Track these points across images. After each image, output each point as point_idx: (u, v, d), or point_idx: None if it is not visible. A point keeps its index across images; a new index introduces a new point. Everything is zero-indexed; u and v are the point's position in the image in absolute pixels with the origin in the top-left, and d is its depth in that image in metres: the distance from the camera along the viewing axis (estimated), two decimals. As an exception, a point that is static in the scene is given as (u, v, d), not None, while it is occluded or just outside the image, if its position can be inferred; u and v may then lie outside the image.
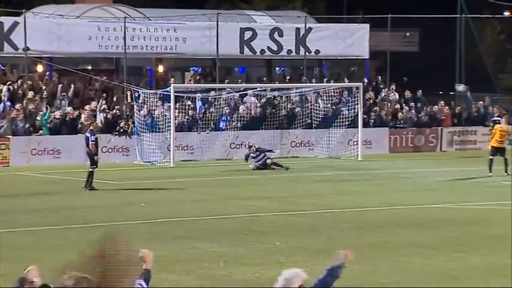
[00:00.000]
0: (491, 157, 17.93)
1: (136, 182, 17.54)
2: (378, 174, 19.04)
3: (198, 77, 24.85)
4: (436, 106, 24.90)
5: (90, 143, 16.35)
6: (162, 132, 21.34)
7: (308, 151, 22.85)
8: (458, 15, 25.33)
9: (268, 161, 19.70)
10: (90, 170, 16.04)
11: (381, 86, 25.49)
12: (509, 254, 9.47)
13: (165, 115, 21.54)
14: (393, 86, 24.99)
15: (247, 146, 20.65)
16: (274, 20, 25.28)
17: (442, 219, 12.79)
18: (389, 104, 24.53)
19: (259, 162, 19.57)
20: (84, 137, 17.20)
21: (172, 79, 23.34)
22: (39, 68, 23.00)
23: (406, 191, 16.39)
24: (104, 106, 21.85)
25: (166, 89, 21.66)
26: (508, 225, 11.60)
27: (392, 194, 15.83)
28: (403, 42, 28.73)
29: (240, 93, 23.36)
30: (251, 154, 19.92)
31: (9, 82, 21.72)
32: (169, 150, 20.70)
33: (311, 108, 23.28)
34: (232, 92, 23.21)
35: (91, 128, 16.97)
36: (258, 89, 23.51)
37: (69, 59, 23.14)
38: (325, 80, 25.34)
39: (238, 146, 21.96)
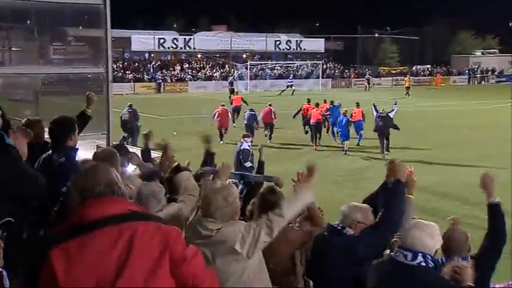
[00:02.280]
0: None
1: None
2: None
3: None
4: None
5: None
6: (244, 80, 58.18)
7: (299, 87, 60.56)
8: (357, 35, 65.55)
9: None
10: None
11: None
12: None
13: None
14: None
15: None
16: (287, 36, 63.71)
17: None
18: None
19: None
20: None
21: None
22: None
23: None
24: None
25: (247, 63, 58.52)
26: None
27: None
28: (337, 46, 67.42)
29: (275, 65, 60.59)
30: None
31: None
32: None
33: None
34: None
35: None
36: (281, 64, 60.96)
37: None
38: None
39: (273, 85, 58.76)
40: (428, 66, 64.69)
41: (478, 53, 68.37)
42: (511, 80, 57.11)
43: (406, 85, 42.99)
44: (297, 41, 59.47)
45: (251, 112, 20.09)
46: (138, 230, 2.49)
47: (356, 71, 59.47)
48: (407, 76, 48.42)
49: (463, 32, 72.79)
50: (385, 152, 17.29)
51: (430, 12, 69.94)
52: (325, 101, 21.11)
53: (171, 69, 51.71)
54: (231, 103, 25.29)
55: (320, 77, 52.94)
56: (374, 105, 18.08)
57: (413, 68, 62.88)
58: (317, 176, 3.74)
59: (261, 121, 20.22)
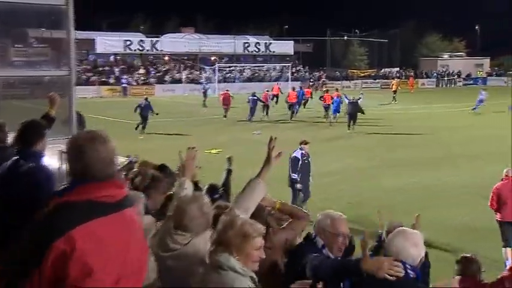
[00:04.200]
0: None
1: None
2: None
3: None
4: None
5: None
6: (213, 83, 58.53)
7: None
8: (325, 38, 65.86)
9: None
10: None
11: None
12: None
13: None
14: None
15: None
16: (256, 38, 63.91)
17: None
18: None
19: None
20: None
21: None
22: None
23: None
24: None
25: (214, 66, 58.78)
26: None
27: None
28: (306, 48, 66.83)
29: (243, 67, 60.88)
30: None
31: None
32: None
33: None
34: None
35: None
36: (250, 67, 61.41)
37: None
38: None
39: (243, 88, 59.26)
40: (397, 69, 65.73)
41: (446, 56, 69.69)
42: (477, 83, 58.69)
43: (393, 89, 40.70)
44: (265, 43, 60.10)
45: (253, 97, 27.53)
46: (132, 214, 2.64)
47: (326, 74, 60.49)
48: (395, 80, 47.95)
49: (430, 35, 74.40)
50: (352, 127, 23.61)
51: (398, 15, 71.35)
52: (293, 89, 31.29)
53: (137, 72, 51.46)
54: (205, 105, 28.55)
55: (289, 79, 53.58)
56: (345, 95, 25.56)
57: (382, 71, 64.10)
58: (274, 159, 3.71)
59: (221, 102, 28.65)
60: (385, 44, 68.59)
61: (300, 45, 63.95)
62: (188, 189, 3.90)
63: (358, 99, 24.15)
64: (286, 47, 60.48)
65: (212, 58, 57.41)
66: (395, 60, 69.84)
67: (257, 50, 59.26)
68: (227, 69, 53.48)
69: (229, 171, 7.36)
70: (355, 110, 23.77)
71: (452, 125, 25.54)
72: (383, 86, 56.95)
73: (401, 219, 5.04)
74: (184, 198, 3.54)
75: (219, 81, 48.78)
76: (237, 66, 55.01)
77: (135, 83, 49.07)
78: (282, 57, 58.73)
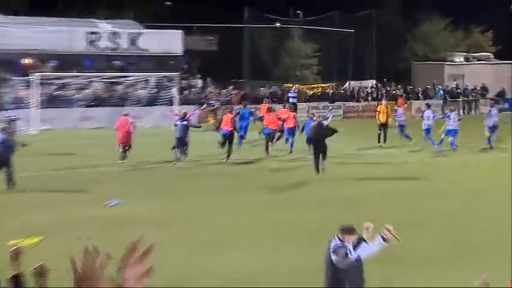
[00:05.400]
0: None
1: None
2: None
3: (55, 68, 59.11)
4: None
5: None
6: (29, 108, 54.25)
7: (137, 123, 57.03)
8: (245, 25, 64.83)
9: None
10: None
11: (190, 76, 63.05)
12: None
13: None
14: (199, 75, 62.73)
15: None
16: (113, 25, 61.18)
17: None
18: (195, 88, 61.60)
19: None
20: None
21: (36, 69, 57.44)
22: None
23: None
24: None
25: (31, 77, 54.91)
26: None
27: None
28: (206, 44, 67.22)
29: (89, 79, 57.46)
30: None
31: None
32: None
33: (141, 91, 58.72)
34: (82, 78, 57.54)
35: None
36: (102, 77, 57.96)
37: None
38: (151, 70, 61.48)
39: (86, 119, 55.51)
40: (372, 81, 70.27)
41: (459, 58, 73.70)
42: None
43: (380, 120, 42.85)
44: (130, 34, 60.81)
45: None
46: None
47: (243, 91, 63.42)
48: (382, 102, 47.28)
49: (430, 22, 79.64)
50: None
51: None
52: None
53: None
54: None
55: (174, 102, 54.41)
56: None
57: (346, 86, 69.17)
58: None
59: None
60: (351, 36, 69.54)
61: (195, 39, 66.08)
62: None
63: (325, 119, 29.54)
64: (168, 41, 61.05)
65: (25, 61, 57.33)
66: (369, 65, 72.70)
67: (114, 47, 59.43)
68: (55, 81, 54.38)
69: None
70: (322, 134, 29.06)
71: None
72: (350, 115, 59.73)
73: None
74: None
75: (43, 105, 49.73)
76: (75, 76, 56.20)
77: None
78: (161, 61, 59.90)
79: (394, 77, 71.97)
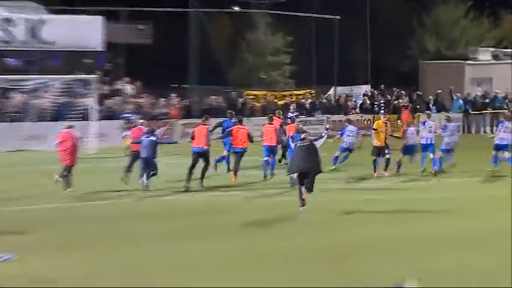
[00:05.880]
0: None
1: None
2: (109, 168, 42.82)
3: None
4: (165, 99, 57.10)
5: None
6: None
7: (40, 144, 50.31)
8: (190, 10, 59.76)
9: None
10: None
11: (116, 79, 57.89)
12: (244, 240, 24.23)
13: None
14: (127, 78, 57.46)
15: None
16: (5, 9, 55.94)
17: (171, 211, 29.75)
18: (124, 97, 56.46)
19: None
20: None
21: None
22: None
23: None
24: None
25: None
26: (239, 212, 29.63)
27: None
28: (137, 35, 62.18)
29: None
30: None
31: None
32: None
33: (45, 101, 53.23)
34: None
35: None
36: None
37: None
38: (59, 71, 56.10)
39: None
40: (367, 86, 70.74)
41: (484, 56, 74.17)
42: None
43: (376, 142, 41.84)
44: (26, 21, 57.71)
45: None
46: None
47: (188, 100, 62.65)
48: (380, 116, 48.19)
49: (442, 1, 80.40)
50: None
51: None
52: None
53: None
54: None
55: (91, 116, 51.70)
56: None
57: (329, 93, 69.43)
58: None
59: None
60: (336, 24, 69.49)
61: (121, 28, 64.96)
62: None
63: (319, 138, 30.97)
64: (83, 31, 59.04)
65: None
66: (362, 65, 73.05)
67: (6, 39, 57.54)
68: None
69: None
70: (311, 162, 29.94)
71: None
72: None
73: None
74: None
75: None
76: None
77: None
78: (73, 59, 59.04)
79: (396, 81, 71.65)
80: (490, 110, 65.41)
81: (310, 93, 66.35)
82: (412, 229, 26.92)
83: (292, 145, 31.79)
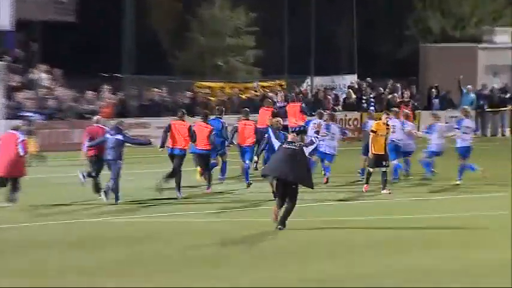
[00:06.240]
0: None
1: None
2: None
3: None
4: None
5: None
6: None
7: None
8: None
9: None
10: None
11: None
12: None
13: None
14: (44, 65, 53.65)
15: None
16: None
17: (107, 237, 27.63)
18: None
19: None
20: None
21: None
22: None
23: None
24: None
25: None
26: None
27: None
28: (56, 11, 58.34)
29: None
30: None
31: None
32: None
33: None
34: None
35: None
36: None
37: None
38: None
39: None
40: (354, 76, 71.39)
41: (503, 37, 73.43)
42: None
43: (373, 151, 40.86)
44: None
45: None
46: None
47: (122, 93, 60.97)
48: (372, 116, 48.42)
49: None
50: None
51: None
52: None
53: None
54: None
55: None
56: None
57: (305, 84, 69.71)
58: None
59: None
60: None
61: (36, 3, 63.63)
62: None
63: (310, 144, 31.96)
64: None
65: None
66: (347, 50, 74.54)
67: None
68: None
69: None
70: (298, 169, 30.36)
71: None
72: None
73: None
74: None
75: None
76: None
77: None
78: None
79: (391, 70, 71.89)
80: (510, 107, 66.07)
81: (280, 85, 66.09)
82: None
83: (276, 144, 31.61)
